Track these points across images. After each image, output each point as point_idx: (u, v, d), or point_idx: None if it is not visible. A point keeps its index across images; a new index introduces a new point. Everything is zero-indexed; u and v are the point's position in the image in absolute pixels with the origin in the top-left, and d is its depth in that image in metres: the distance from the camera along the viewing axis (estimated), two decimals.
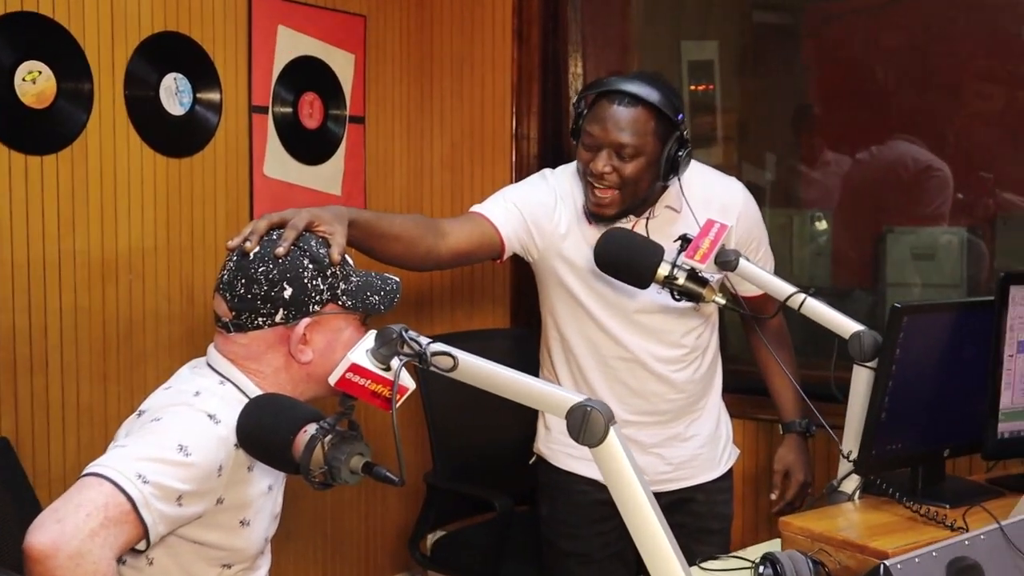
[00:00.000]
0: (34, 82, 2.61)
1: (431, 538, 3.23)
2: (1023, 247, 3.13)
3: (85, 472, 1.58)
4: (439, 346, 1.49)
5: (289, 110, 3.26)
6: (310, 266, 1.79)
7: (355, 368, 1.48)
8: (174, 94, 2.93)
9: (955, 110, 3.30)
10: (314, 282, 1.79)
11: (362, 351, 1.50)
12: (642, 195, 2.30)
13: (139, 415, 1.75)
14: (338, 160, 3.43)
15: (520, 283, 3.52)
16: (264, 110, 3.18)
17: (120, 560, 1.68)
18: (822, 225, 3.56)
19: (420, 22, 3.70)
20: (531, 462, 2.60)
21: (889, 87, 3.42)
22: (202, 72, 3.00)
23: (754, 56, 3.88)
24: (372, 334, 1.51)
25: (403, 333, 1.48)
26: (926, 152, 3.28)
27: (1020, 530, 1.68)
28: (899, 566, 1.49)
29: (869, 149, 3.42)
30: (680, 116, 2.27)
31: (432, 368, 1.48)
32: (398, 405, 1.49)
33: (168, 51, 2.91)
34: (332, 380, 1.50)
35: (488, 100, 3.61)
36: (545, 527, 2.57)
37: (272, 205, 3.05)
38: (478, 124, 3.63)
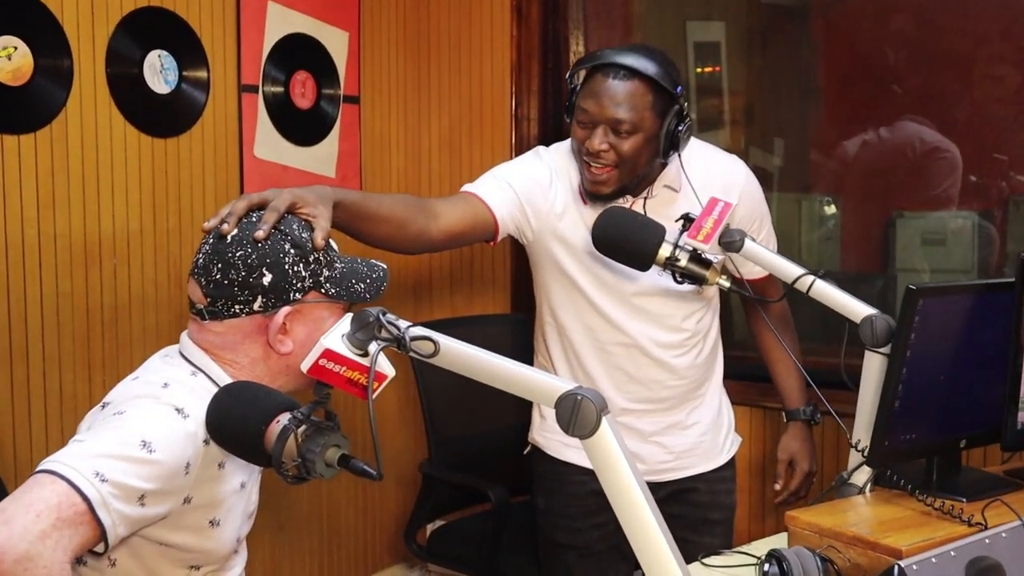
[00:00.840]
0: (9, 58, 2.51)
1: (429, 528, 3.15)
2: None
3: (38, 468, 1.46)
4: (419, 330, 1.38)
5: (280, 89, 3.16)
6: (291, 251, 1.67)
7: (329, 354, 1.38)
8: (159, 72, 2.82)
9: (966, 91, 3.25)
10: (295, 268, 1.66)
11: (337, 336, 1.39)
12: (640, 173, 2.20)
13: (103, 407, 1.64)
14: (332, 141, 3.33)
15: (520, 268, 3.43)
16: (254, 89, 3.07)
17: (81, 561, 1.58)
18: (831, 210, 3.51)
19: None
20: (526, 452, 2.51)
21: (899, 68, 3.36)
22: (188, 49, 2.90)
23: (762, 37, 3.83)
24: (348, 318, 1.41)
25: (381, 316, 1.37)
26: (934, 133, 3.22)
27: None
28: (915, 567, 1.39)
29: (877, 131, 3.36)
30: (679, 89, 2.16)
31: (412, 354, 1.38)
32: (375, 394, 1.38)
33: (152, 27, 2.80)
34: (304, 367, 1.39)
35: (487, 79, 3.53)
36: (542, 519, 2.48)
37: (263, 187, 2.82)
38: (477, 104, 3.55)
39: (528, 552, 2.74)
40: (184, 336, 1.74)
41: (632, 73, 2.12)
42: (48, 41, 2.58)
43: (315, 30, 3.25)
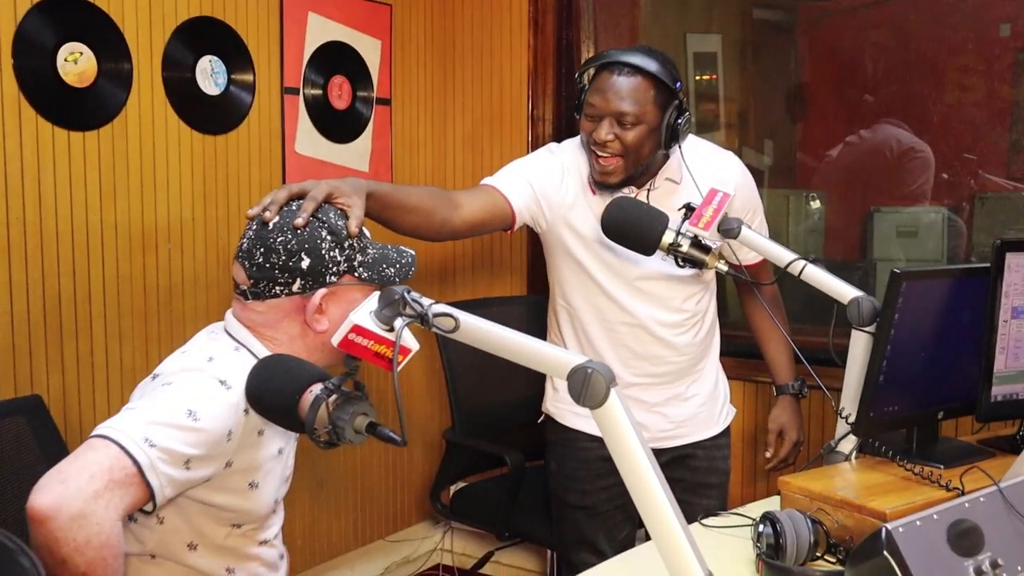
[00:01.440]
0: (76, 63, 2.46)
1: (452, 489, 3.10)
2: (998, 225, 3.03)
3: (93, 434, 1.42)
4: (441, 307, 1.32)
5: (319, 92, 3.10)
6: (328, 237, 1.63)
7: (357, 329, 1.32)
8: (209, 75, 2.77)
9: (939, 97, 3.22)
10: (332, 253, 1.63)
11: (365, 312, 1.34)
12: (644, 162, 2.14)
13: (153, 378, 1.60)
14: (366, 139, 3.27)
15: (535, 254, 3.39)
16: (295, 91, 3.02)
17: (131, 519, 1.54)
18: (816, 204, 3.48)
19: (443, 10, 3.55)
20: (540, 421, 2.46)
21: (878, 76, 3.34)
22: (236, 55, 2.84)
23: (754, 49, 3.82)
24: (375, 296, 1.35)
25: (405, 294, 1.32)
26: (909, 134, 3.19)
27: (1018, 492, 1.51)
28: (901, 529, 1.32)
29: (858, 133, 3.33)
30: (678, 84, 2.11)
31: (434, 329, 1.32)
32: (400, 367, 1.32)
33: (204, 35, 2.75)
34: (335, 341, 1.34)
35: (506, 84, 3.48)
36: (553, 482, 2.43)
37: (303, 180, 2.86)
38: (497, 106, 3.50)
39: (541, 512, 2.70)
40: (228, 314, 1.70)
41: (635, 70, 2.08)
42: (110, 47, 2.53)
43: (351, 38, 3.19)
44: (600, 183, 2.16)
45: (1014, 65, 3.05)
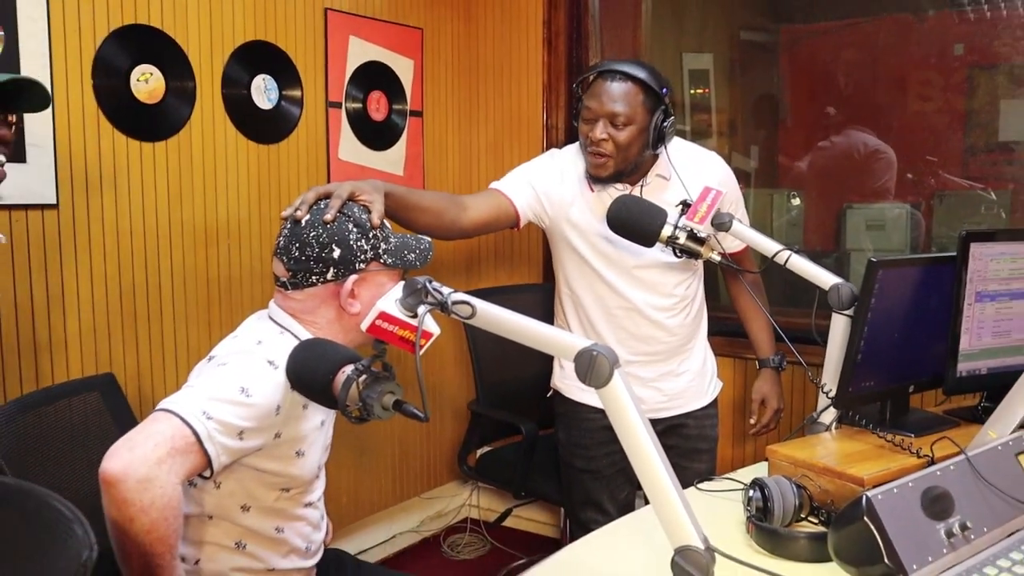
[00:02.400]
0: (147, 82, 2.40)
1: (479, 452, 3.03)
2: (956, 219, 3.00)
3: (157, 408, 1.38)
4: (459, 295, 1.25)
5: (359, 105, 3.03)
6: (354, 229, 1.58)
7: (384, 316, 1.25)
8: (263, 92, 2.70)
9: (903, 108, 3.17)
10: (359, 243, 1.58)
11: (391, 300, 1.27)
12: (632, 160, 2.07)
13: (209, 360, 1.54)
14: (401, 147, 3.20)
15: (549, 247, 3.32)
16: (338, 105, 2.94)
17: (191, 483, 1.49)
18: (796, 201, 3.42)
19: (468, 33, 3.47)
20: (548, 395, 2.39)
21: (849, 89, 3.29)
22: (286, 74, 2.77)
23: (742, 66, 3.77)
24: (400, 285, 1.28)
25: (427, 284, 1.25)
26: (874, 138, 3.14)
27: (983, 460, 1.43)
28: (880, 496, 1.24)
29: (828, 138, 3.28)
30: (664, 90, 2.04)
31: (453, 315, 1.25)
32: (423, 351, 1.25)
33: (258, 56, 2.68)
34: (363, 326, 1.27)
35: (524, 97, 3.40)
36: (562, 449, 2.36)
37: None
38: (515, 116, 3.42)
39: (552, 474, 2.63)
40: (272, 304, 1.65)
41: (626, 77, 2.02)
42: (177, 68, 2.48)
43: (387, 58, 3.12)
44: (594, 176, 2.10)
45: (967, 79, 3.02)
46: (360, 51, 3.01)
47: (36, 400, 1.73)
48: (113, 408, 1.84)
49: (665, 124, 2.05)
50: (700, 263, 2.22)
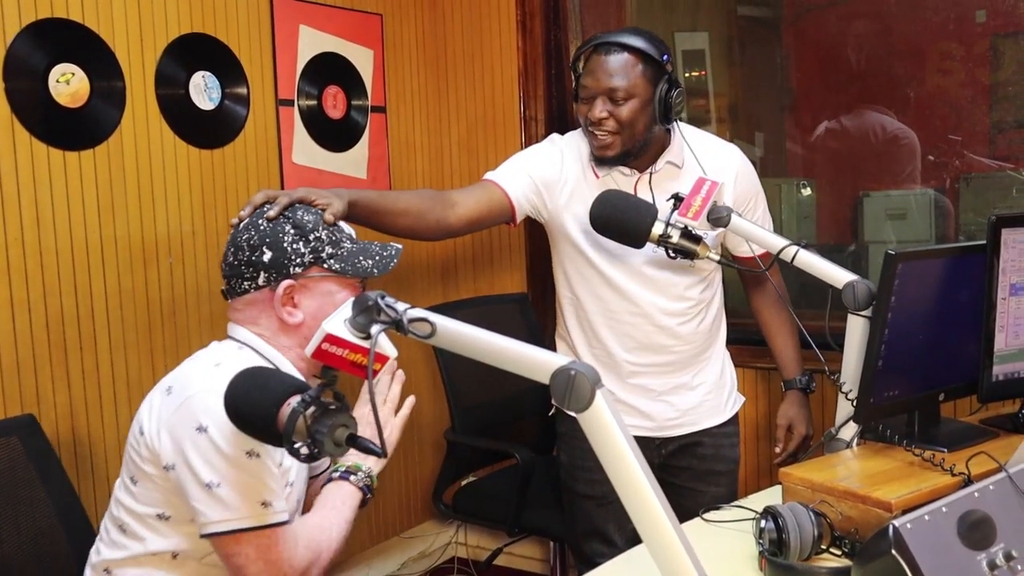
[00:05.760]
0: (68, 83, 2.34)
1: (462, 483, 2.97)
2: (984, 203, 2.95)
3: (219, 531, 1.43)
4: (417, 312, 1.19)
5: (314, 102, 2.97)
6: (291, 231, 1.56)
7: (331, 338, 1.19)
8: (203, 90, 2.64)
9: (921, 83, 3.13)
10: (294, 246, 1.55)
11: (339, 320, 1.21)
12: (640, 137, 2.03)
13: (168, 392, 1.50)
14: (362, 147, 3.14)
15: (534, 250, 3.28)
16: (290, 103, 2.89)
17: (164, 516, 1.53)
18: (807, 191, 3.39)
19: (433, 19, 3.42)
20: (550, 414, 2.34)
21: (861, 66, 3.25)
22: (229, 69, 2.71)
23: (741, 45, 3.72)
24: (349, 303, 1.22)
25: (379, 300, 1.19)
26: (894, 121, 3.10)
27: None
28: (909, 525, 1.18)
29: (838, 119, 3.24)
30: (665, 57, 2.01)
31: (411, 335, 1.19)
32: (377, 378, 1.19)
33: (195, 51, 2.62)
34: (308, 351, 1.22)
35: (498, 87, 3.35)
36: (564, 472, 2.31)
37: None
38: (490, 109, 3.37)
39: (548, 505, 2.57)
40: (229, 322, 1.64)
41: (622, 47, 2.00)
42: (102, 67, 2.41)
43: (343, 49, 3.06)
44: (599, 158, 2.07)
45: (991, 49, 2.98)
46: (312, 42, 2.95)
47: None
48: (35, 453, 1.77)
49: (671, 93, 2.02)
50: (716, 266, 2.18)
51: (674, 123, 2.09)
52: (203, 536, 1.45)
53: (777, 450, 2.30)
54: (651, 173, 2.08)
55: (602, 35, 2.05)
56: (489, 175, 2.14)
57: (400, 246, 1.66)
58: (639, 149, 2.05)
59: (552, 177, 2.12)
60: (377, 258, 1.60)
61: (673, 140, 2.10)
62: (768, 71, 3.60)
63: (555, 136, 2.23)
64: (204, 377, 1.49)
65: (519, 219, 2.14)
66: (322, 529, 1.51)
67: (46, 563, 1.68)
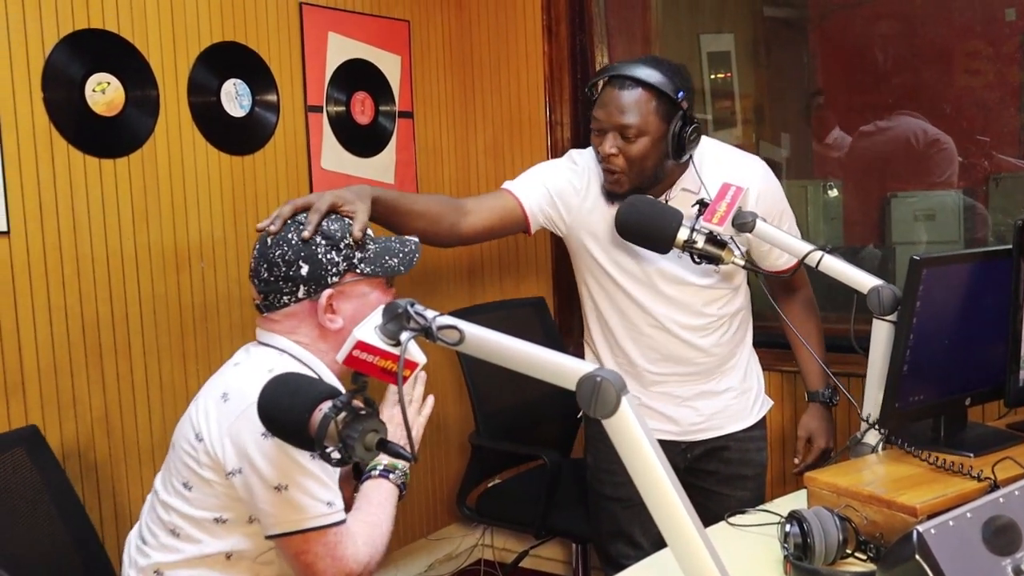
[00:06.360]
0: (103, 92, 2.39)
1: (488, 485, 2.98)
2: (1014, 205, 2.93)
3: (293, 531, 1.50)
4: (446, 319, 1.21)
5: (342, 108, 3.01)
6: (323, 242, 1.61)
7: (362, 345, 1.21)
8: (234, 98, 2.69)
9: (949, 83, 3.12)
10: (328, 256, 1.60)
11: (370, 327, 1.23)
12: (649, 173, 2.02)
13: (225, 399, 1.54)
14: (390, 152, 3.18)
15: (559, 255, 3.30)
16: (319, 109, 2.93)
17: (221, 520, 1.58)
18: (833, 193, 3.39)
19: (459, 24, 3.45)
20: (578, 416, 2.35)
21: (888, 66, 3.25)
22: (260, 77, 2.76)
23: (766, 46, 3.73)
24: (380, 310, 1.24)
25: (408, 308, 1.21)
26: (932, 127, 3.09)
27: None
28: (933, 530, 1.18)
29: (875, 123, 3.23)
30: (680, 94, 1.97)
31: (440, 342, 1.21)
32: (407, 383, 1.22)
33: (227, 59, 2.67)
34: (340, 358, 1.24)
35: (524, 92, 3.37)
36: (590, 474, 2.33)
37: None
38: (516, 114, 3.39)
39: (575, 505, 2.59)
40: (258, 330, 1.67)
41: (636, 83, 1.96)
42: (136, 76, 2.46)
43: (371, 55, 3.10)
44: (609, 193, 2.07)
45: (1020, 48, 2.96)
46: (341, 48, 2.99)
47: None
48: (40, 464, 1.81)
49: (685, 131, 1.99)
50: (743, 278, 2.18)
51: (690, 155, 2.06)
52: (269, 537, 1.50)
53: (796, 461, 2.30)
54: (666, 200, 2.07)
55: (617, 66, 2.01)
56: (508, 184, 2.15)
57: (417, 240, 1.71)
58: (649, 184, 2.04)
59: (571, 194, 2.12)
60: (400, 255, 1.66)
61: (688, 169, 2.08)
62: (794, 72, 3.61)
63: (574, 153, 2.21)
64: (262, 384, 1.52)
65: (534, 229, 2.14)
66: (374, 525, 1.57)
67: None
